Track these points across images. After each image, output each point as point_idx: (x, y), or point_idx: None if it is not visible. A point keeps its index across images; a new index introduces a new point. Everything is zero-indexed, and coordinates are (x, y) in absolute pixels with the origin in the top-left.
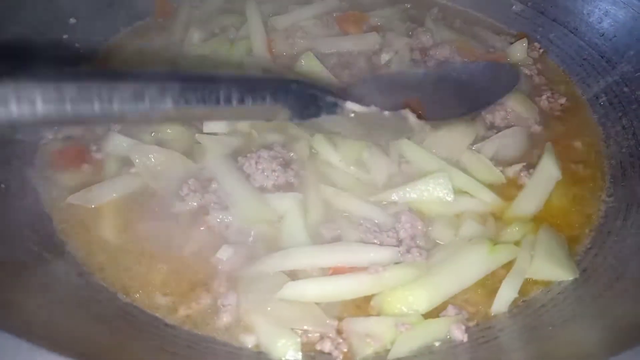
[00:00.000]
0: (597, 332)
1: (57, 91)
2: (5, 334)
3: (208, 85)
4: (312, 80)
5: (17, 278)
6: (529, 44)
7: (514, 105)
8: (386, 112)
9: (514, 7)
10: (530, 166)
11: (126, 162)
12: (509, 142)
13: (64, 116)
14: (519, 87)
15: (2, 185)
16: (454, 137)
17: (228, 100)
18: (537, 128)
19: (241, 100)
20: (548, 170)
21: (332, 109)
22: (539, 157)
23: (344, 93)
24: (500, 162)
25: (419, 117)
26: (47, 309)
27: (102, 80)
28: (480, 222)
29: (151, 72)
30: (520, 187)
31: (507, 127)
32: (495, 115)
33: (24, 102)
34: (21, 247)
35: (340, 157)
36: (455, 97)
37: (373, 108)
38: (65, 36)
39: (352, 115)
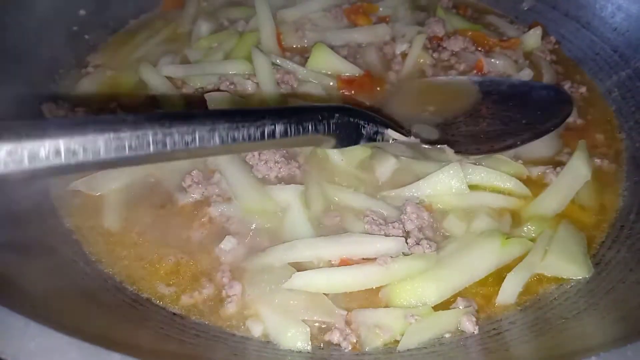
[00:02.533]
0: (610, 323)
1: (117, 140)
2: (14, 314)
3: (253, 122)
4: (354, 108)
5: (25, 263)
6: (544, 37)
7: None
8: (425, 146)
9: (524, 3)
10: (558, 164)
11: None
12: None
13: (121, 160)
14: (546, 79)
15: None
16: None
17: (272, 135)
18: (577, 122)
19: (284, 134)
20: (578, 169)
21: (374, 136)
22: (569, 155)
23: (385, 119)
24: (527, 161)
25: (458, 152)
26: (56, 294)
27: (157, 126)
28: (495, 217)
29: (201, 112)
30: (545, 186)
31: None
32: None
33: (89, 152)
34: (28, 233)
35: (342, 157)
36: (499, 123)
37: (412, 139)
38: (75, 28)
39: (392, 141)
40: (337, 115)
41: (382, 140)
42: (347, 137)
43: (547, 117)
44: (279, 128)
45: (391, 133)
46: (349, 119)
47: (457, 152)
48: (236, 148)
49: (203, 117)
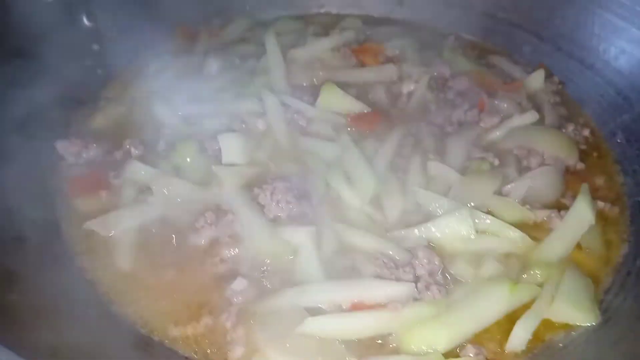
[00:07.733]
0: None
1: None
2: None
3: None
4: None
5: (37, 303)
6: (548, 78)
7: (549, 147)
8: None
9: (527, 45)
10: (562, 207)
11: (143, 190)
12: (540, 183)
13: None
14: (549, 121)
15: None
16: (480, 184)
17: None
18: (578, 166)
19: None
20: (582, 214)
21: None
22: (573, 198)
23: None
24: (532, 205)
25: None
26: (70, 336)
27: None
28: (502, 262)
29: None
30: (550, 230)
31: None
32: (531, 160)
33: None
34: (40, 273)
35: (354, 195)
36: None
37: None
38: (88, 62)
39: None
40: None
41: None
42: None
43: None
44: None
45: None
46: None
47: None
48: None
49: None
